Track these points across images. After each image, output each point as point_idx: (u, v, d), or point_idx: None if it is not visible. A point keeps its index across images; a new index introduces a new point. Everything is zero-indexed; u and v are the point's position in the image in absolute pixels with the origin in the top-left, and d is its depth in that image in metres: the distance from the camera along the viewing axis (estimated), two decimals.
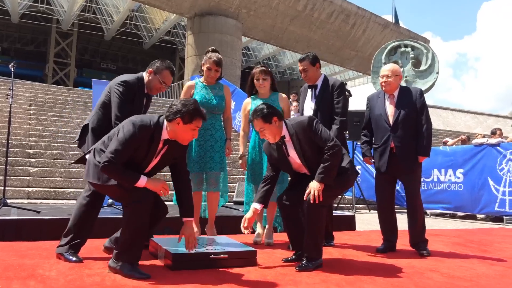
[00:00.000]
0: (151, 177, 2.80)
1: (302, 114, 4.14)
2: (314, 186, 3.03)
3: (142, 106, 3.51)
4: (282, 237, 4.37)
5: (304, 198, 3.07)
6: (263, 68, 4.14)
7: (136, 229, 2.70)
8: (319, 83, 4.15)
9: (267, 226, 4.07)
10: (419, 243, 4.00)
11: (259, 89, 4.15)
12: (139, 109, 3.43)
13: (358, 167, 10.15)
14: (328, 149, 3.09)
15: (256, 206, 3.25)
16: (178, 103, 2.81)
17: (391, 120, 3.97)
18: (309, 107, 4.15)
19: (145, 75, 3.47)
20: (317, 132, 3.15)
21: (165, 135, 2.82)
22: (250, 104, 4.21)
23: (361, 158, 10.03)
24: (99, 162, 2.73)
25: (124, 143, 2.69)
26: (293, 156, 3.26)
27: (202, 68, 4.17)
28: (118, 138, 2.71)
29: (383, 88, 4.05)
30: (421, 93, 4.05)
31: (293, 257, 3.35)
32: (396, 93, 4.04)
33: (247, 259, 3.17)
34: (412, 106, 3.97)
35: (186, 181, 3.03)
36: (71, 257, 3.02)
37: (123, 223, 2.73)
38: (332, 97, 4.07)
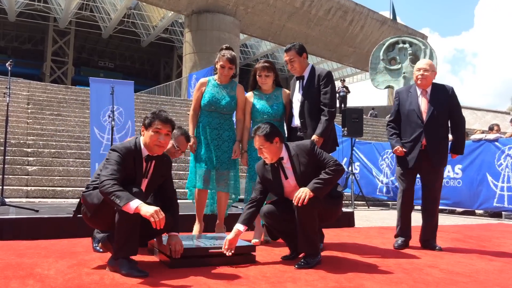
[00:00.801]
0: (144, 203, 2.66)
1: (291, 107, 4.00)
2: (305, 191, 2.99)
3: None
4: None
5: (294, 202, 3.01)
6: (266, 64, 4.01)
7: (129, 222, 2.66)
8: (306, 74, 3.96)
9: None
10: (431, 239, 4.02)
11: (262, 85, 4.04)
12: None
13: (356, 164, 10.17)
14: (333, 165, 3.08)
15: (239, 227, 3.14)
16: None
17: (424, 116, 3.93)
18: (296, 99, 3.97)
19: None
20: (320, 153, 3.17)
21: (145, 152, 2.92)
22: (252, 97, 4.10)
23: (360, 155, 10.15)
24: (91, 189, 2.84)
25: (114, 163, 2.76)
26: (291, 179, 3.23)
27: (216, 66, 4.06)
28: (108, 164, 2.79)
29: (418, 82, 3.99)
30: (453, 90, 4.03)
31: (292, 254, 3.35)
32: (429, 89, 4.01)
33: (246, 255, 3.17)
34: (446, 103, 3.96)
35: (174, 200, 3.11)
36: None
37: (117, 218, 2.68)
38: (319, 87, 3.87)
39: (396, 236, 4.15)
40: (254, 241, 3.87)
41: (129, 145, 2.90)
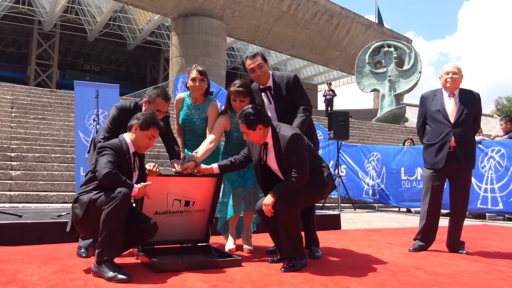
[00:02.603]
0: (140, 187, 2.90)
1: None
2: (266, 201, 3.09)
3: None
4: (262, 240, 4.38)
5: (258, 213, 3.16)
6: (240, 88, 3.58)
7: (113, 223, 2.70)
8: (270, 83, 3.73)
9: (243, 234, 3.90)
10: (458, 243, 4.03)
11: (236, 110, 3.59)
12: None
13: (343, 166, 10.22)
14: (296, 173, 3.09)
15: (214, 167, 3.41)
16: (137, 115, 3.12)
17: (452, 117, 3.94)
18: (273, 114, 3.71)
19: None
20: (296, 151, 3.13)
21: (132, 148, 3.05)
22: (228, 122, 3.76)
23: (346, 158, 10.20)
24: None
25: (110, 156, 2.87)
26: (271, 162, 3.26)
27: (187, 84, 3.82)
28: (103, 157, 2.88)
29: (448, 85, 3.99)
30: (479, 96, 4.08)
31: (279, 257, 3.34)
32: (456, 92, 4.03)
33: (232, 259, 3.20)
34: (473, 106, 4.00)
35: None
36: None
37: (101, 221, 2.71)
38: (289, 94, 3.66)
39: (415, 239, 4.13)
40: (229, 247, 3.75)
41: (117, 142, 3.01)
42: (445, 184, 4.07)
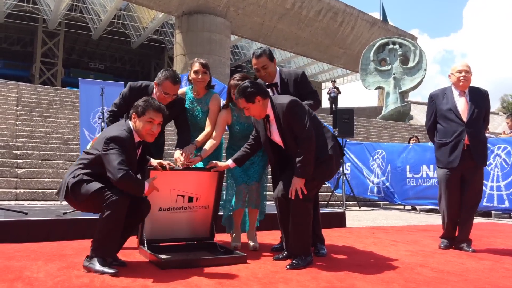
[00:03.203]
0: (150, 183, 2.89)
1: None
2: (295, 183, 3.06)
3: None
4: (267, 238, 4.37)
5: (291, 197, 3.07)
6: (240, 82, 3.50)
7: (111, 224, 2.73)
8: (277, 79, 3.72)
9: (248, 231, 3.90)
10: (466, 241, 4.03)
11: (238, 103, 3.50)
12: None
13: (347, 164, 10.20)
14: (301, 142, 3.08)
15: (228, 162, 3.45)
16: (136, 103, 3.04)
17: (464, 116, 3.95)
18: None
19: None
20: (295, 116, 3.12)
21: (136, 138, 3.00)
22: (230, 115, 3.77)
23: (351, 155, 10.17)
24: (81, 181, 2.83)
25: (119, 154, 2.80)
26: (275, 135, 3.27)
27: (189, 77, 3.84)
28: (114, 155, 2.79)
29: (461, 83, 4.00)
30: (488, 93, 4.10)
31: (284, 254, 3.34)
32: (466, 90, 4.05)
33: (237, 256, 3.20)
34: (483, 104, 4.02)
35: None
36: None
37: (100, 219, 2.76)
38: (297, 90, 3.61)
39: (442, 237, 4.17)
40: (234, 245, 3.75)
41: (125, 133, 2.92)
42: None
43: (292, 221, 3.12)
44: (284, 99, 3.19)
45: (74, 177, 2.87)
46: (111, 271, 2.68)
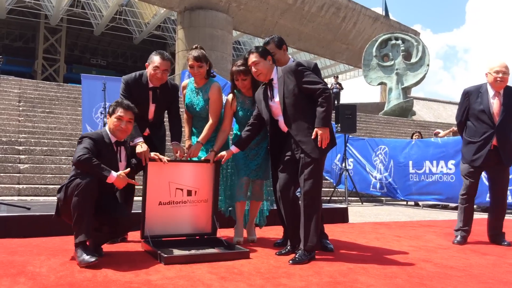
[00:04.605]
0: (118, 175, 2.99)
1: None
2: (321, 134, 3.11)
3: (147, 98, 3.69)
4: (270, 233, 4.37)
5: (322, 146, 3.12)
6: (241, 68, 3.67)
7: (79, 209, 2.81)
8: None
9: (247, 224, 3.94)
10: (500, 234, 4.13)
11: (241, 89, 3.79)
12: (143, 101, 3.66)
13: (350, 160, 10.18)
14: (321, 93, 3.16)
15: (232, 148, 3.50)
16: None
17: (496, 118, 4.00)
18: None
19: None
20: (305, 71, 3.24)
21: (113, 138, 3.17)
22: (235, 102, 3.82)
23: (353, 151, 10.15)
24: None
25: (85, 144, 2.98)
26: (276, 99, 3.32)
27: (189, 69, 3.84)
28: (80, 144, 3.01)
29: (497, 84, 4.01)
30: None
31: (287, 249, 3.34)
32: (501, 91, 4.07)
33: (240, 251, 3.19)
34: None
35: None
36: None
37: (71, 207, 2.85)
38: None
39: (456, 231, 4.21)
40: (236, 239, 3.76)
41: (96, 133, 3.13)
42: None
43: (305, 215, 3.15)
44: (290, 63, 3.38)
45: (59, 190, 3.01)
46: (92, 260, 2.72)
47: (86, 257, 2.73)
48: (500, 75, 3.99)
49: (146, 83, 3.67)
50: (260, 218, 4.06)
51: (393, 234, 4.67)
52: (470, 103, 4.15)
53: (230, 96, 3.86)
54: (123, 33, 32.29)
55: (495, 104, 4.03)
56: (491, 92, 4.07)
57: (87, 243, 2.89)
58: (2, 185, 7.11)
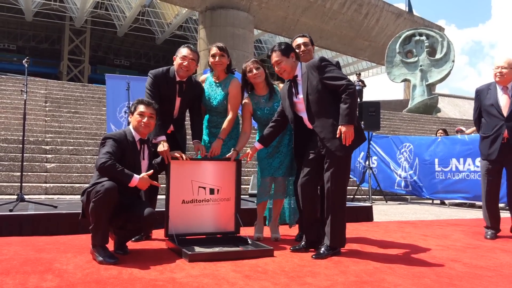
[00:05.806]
0: (141, 177, 3.02)
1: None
2: (345, 131, 3.06)
3: (174, 91, 3.69)
4: (294, 232, 4.34)
5: (346, 144, 3.08)
6: (254, 58, 3.85)
7: (96, 215, 2.85)
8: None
9: (270, 222, 3.92)
10: None
11: (255, 80, 3.73)
12: (170, 94, 3.68)
13: (374, 158, 10.05)
14: (345, 89, 3.12)
15: (255, 145, 3.54)
16: None
17: (505, 111, 4.11)
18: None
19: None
20: (329, 66, 3.21)
21: (137, 136, 3.21)
22: (250, 104, 3.81)
23: (377, 149, 10.02)
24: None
25: (109, 146, 3.01)
26: (300, 96, 3.30)
27: (209, 63, 3.87)
28: (103, 148, 3.04)
29: (496, 79, 4.16)
30: None
31: (302, 245, 3.32)
32: (510, 86, 4.16)
33: (264, 249, 3.18)
34: None
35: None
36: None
37: (89, 212, 2.88)
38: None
39: (487, 228, 4.30)
40: (256, 236, 3.76)
41: (119, 133, 3.18)
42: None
43: (333, 212, 3.13)
44: (314, 59, 3.37)
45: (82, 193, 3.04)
46: (111, 260, 2.79)
47: (106, 259, 2.81)
48: (499, 69, 4.13)
49: (174, 77, 3.68)
50: (291, 216, 4.02)
51: (419, 233, 4.57)
52: (481, 100, 4.31)
53: (246, 99, 3.86)
54: (145, 33, 32.66)
55: (504, 99, 4.16)
56: (498, 87, 4.21)
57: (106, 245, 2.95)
58: (30, 184, 7.26)
